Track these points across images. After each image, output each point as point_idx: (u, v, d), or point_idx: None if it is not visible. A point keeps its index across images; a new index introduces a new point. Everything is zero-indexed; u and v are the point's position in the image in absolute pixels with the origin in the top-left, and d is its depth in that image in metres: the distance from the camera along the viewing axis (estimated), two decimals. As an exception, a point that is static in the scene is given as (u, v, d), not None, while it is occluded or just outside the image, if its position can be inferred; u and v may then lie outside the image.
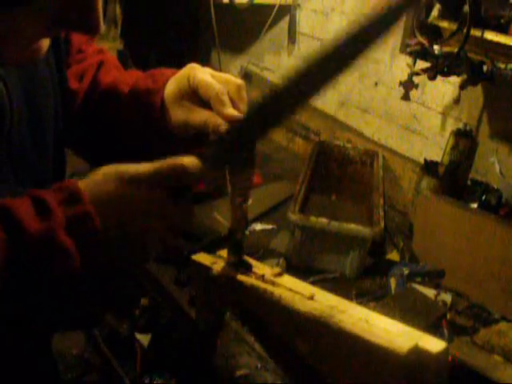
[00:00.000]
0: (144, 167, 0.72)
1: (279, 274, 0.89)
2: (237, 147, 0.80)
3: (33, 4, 0.62)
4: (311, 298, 0.85)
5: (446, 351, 0.76)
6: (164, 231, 0.72)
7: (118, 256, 0.71)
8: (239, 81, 0.86)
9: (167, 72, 0.92)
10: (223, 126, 0.82)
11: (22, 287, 0.64)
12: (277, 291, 0.85)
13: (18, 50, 0.67)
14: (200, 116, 0.85)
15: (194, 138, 0.90)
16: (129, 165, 0.72)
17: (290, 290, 0.86)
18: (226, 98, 0.83)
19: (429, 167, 1.78)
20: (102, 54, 1.02)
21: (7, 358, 0.83)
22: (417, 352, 0.75)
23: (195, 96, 0.86)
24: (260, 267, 0.90)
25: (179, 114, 0.88)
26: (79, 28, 0.68)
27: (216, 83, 0.85)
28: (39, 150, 0.86)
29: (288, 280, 0.89)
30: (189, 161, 0.74)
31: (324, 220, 1.49)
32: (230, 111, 0.82)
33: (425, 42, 1.61)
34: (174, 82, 0.89)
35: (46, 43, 0.70)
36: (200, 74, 0.86)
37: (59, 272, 0.64)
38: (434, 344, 0.76)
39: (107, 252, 0.69)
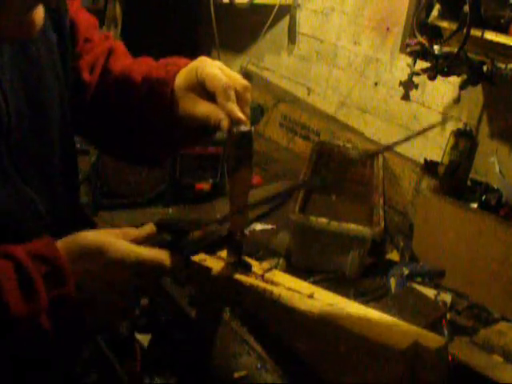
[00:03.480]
0: (127, 251, 0.77)
1: (269, 270, 0.90)
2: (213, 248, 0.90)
3: None
4: (310, 296, 0.85)
5: (445, 347, 0.76)
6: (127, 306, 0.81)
7: (92, 322, 0.77)
8: (246, 82, 0.86)
9: (180, 62, 0.92)
10: (224, 122, 0.81)
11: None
12: (276, 290, 0.85)
13: (11, 23, 0.68)
14: (204, 109, 0.85)
15: (200, 130, 0.90)
16: (111, 240, 0.77)
17: (290, 289, 0.87)
18: (231, 93, 0.82)
19: (429, 167, 1.78)
20: (109, 40, 1.01)
21: None
22: (416, 348, 0.75)
23: (202, 89, 0.86)
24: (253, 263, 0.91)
25: (186, 105, 0.88)
26: None
27: (223, 77, 0.84)
28: (42, 143, 0.86)
29: (287, 279, 0.89)
30: (167, 259, 0.82)
31: (324, 220, 1.49)
32: (233, 107, 0.82)
33: (425, 41, 1.61)
34: (183, 74, 0.89)
35: (39, 17, 0.72)
36: (208, 67, 0.86)
37: (36, 344, 0.72)
38: (434, 340, 0.76)
39: (82, 321, 0.75)
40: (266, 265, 0.91)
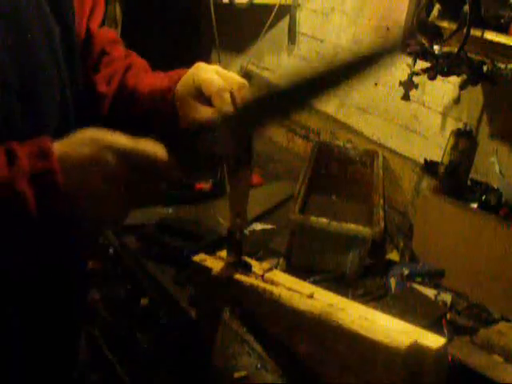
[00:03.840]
0: (121, 139, 0.73)
1: (269, 270, 0.90)
2: (208, 148, 0.80)
3: None
4: (310, 296, 0.85)
5: (445, 347, 0.76)
6: (121, 202, 0.73)
7: (82, 213, 0.73)
8: (241, 80, 0.87)
9: (182, 71, 0.95)
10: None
11: None
12: (276, 290, 0.85)
13: None
14: (202, 114, 0.87)
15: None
16: (107, 132, 0.74)
17: (290, 289, 0.87)
18: (226, 96, 0.84)
19: (429, 167, 1.78)
20: (129, 57, 1.06)
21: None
22: (416, 348, 0.75)
23: (200, 94, 0.89)
24: (252, 263, 0.91)
25: (186, 111, 0.90)
26: None
27: (218, 80, 0.86)
28: (35, 129, 0.86)
29: (287, 279, 0.89)
30: (161, 154, 0.74)
31: (324, 220, 1.49)
32: (228, 109, 0.83)
33: (425, 41, 1.61)
34: (182, 82, 0.92)
35: None
36: (204, 72, 0.88)
37: (16, 216, 0.70)
38: (434, 340, 0.76)
39: (69, 207, 0.71)
40: (266, 265, 0.92)
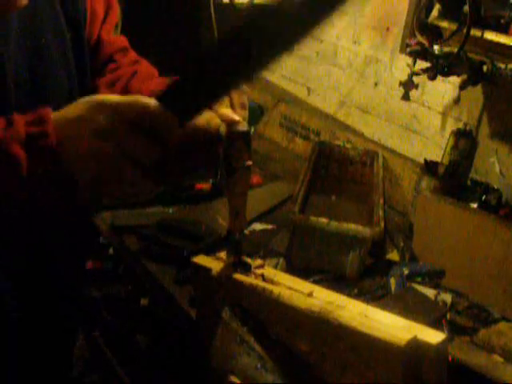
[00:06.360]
0: (113, 97, 0.72)
1: (261, 266, 0.90)
2: (195, 93, 0.73)
3: None
4: (310, 295, 0.85)
5: (445, 342, 0.76)
6: (122, 158, 0.70)
7: (82, 175, 0.71)
8: None
9: None
10: (221, 127, 0.83)
11: None
12: (276, 289, 0.85)
13: None
14: (203, 117, 0.87)
15: (205, 140, 0.91)
16: (102, 94, 0.75)
17: (289, 288, 0.87)
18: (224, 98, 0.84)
19: (429, 167, 1.78)
20: (137, 64, 1.07)
21: None
22: (416, 344, 0.75)
23: None
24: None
25: None
26: None
27: None
28: None
29: (287, 278, 0.89)
30: (154, 104, 0.70)
31: (324, 220, 1.49)
32: (226, 110, 0.83)
33: (425, 42, 1.61)
34: None
35: None
36: None
37: (9, 179, 0.70)
38: (433, 336, 0.76)
39: (65, 170, 0.71)
40: (259, 261, 0.92)
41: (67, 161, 0.70)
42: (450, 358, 1.00)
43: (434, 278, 1.48)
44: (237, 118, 0.83)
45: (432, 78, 1.63)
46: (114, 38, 1.06)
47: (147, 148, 0.70)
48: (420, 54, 1.64)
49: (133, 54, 1.09)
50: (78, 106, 0.72)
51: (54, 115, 0.72)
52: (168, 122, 0.71)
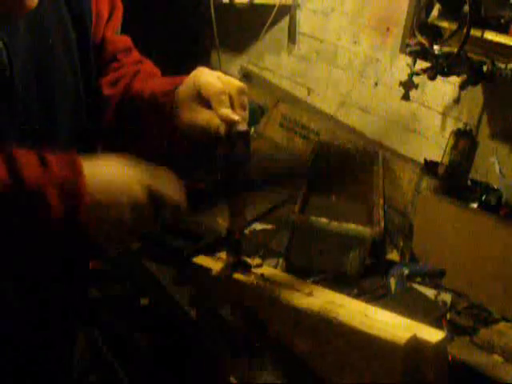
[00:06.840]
0: (148, 176, 0.77)
1: (259, 265, 0.90)
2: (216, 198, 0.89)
3: None
4: (310, 294, 0.85)
5: (444, 341, 0.76)
6: (130, 228, 0.77)
7: (99, 236, 0.76)
8: (241, 84, 0.88)
9: (186, 76, 0.96)
10: (221, 127, 0.83)
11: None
12: (276, 289, 0.86)
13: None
14: (203, 117, 0.87)
15: (203, 139, 0.92)
16: (133, 161, 0.78)
17: (289, 287, 0.87)
18: (224, 98, 0.85)
19: (429, 167, 1.78)
20: (140, 64, 1.07)
21: None
22: (415, 342, 0.75)
23: (200, 98, 0.89)
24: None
25: (186, 114, 0.91)
26: None
27: (217, 83, 0.87)
28: (47, 119, 0.90)
29: (287, 278, 0.89)
30: (183, 203, 0.82)
31: (324, 220, 1.49)
32: (226, 111, 0.84)
33: (425, 41, 1.61)
34: (183, 84, 0.93)
35: None
36: (204, 75, 0.89)
37: (37, 219, 0.72)
38: (433, 334, 0.76)
39: (90, 222, 0.74)
40: (257, 260, 0.92)
41: (92, 228, 0.74)
42: (450, 358, 1.00)
43: (434, 278, 1.48)
44: (237, 118, 0.83)
45: (432, 77, 1.63)
46: (118, 37, 1.06)
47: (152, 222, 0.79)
48: (420, 54, 1.64)
49: (136, 54, 1.10)
50: (113, 171, 0.76)
51: (86, 171, 0.73)
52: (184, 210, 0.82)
